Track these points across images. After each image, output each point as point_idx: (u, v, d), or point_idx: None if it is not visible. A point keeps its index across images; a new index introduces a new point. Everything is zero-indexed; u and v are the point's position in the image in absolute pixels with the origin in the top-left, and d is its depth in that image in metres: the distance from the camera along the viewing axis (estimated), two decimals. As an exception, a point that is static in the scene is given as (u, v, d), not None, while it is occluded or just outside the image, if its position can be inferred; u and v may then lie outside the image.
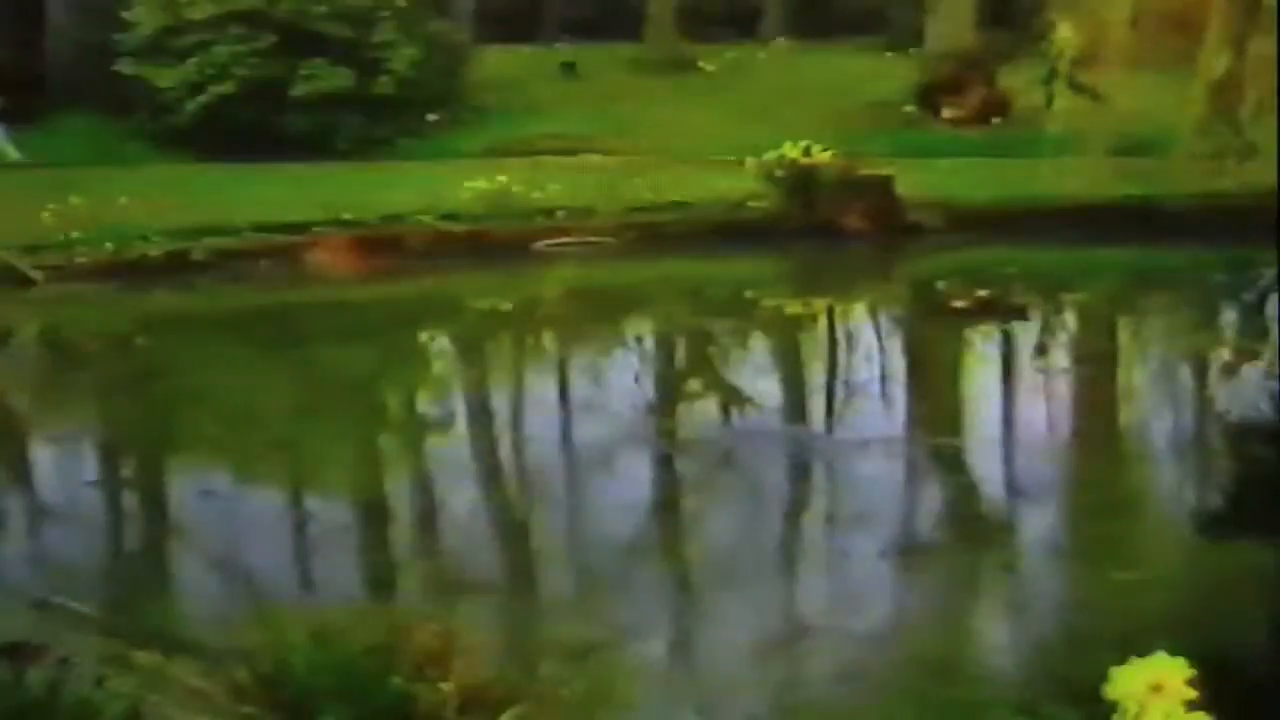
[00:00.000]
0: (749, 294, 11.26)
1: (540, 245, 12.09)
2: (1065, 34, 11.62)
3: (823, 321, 10.19)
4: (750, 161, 12.81)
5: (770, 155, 12.73)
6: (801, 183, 12.46)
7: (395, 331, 9.79)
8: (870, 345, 9.12)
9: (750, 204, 12.68)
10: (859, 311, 10.63)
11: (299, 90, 17.35)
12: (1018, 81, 15.88)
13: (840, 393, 7.70)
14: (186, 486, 6.07)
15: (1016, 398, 7.52)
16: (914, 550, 5.09)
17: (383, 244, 11.76)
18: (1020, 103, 16.09)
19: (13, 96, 15.89)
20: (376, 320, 10.16)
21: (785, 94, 18.78)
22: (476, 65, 19.76)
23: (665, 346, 9.34)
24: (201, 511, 5.60)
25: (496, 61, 20.69)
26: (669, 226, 12.41)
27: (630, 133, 18.08)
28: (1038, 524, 5.39)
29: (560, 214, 12.48)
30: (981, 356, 8.76)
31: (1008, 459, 6.33)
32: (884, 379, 7.96)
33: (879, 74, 19.91)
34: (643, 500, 5.76)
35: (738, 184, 12.96)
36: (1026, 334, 9.06)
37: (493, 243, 11.92)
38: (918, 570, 4.94)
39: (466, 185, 12.51)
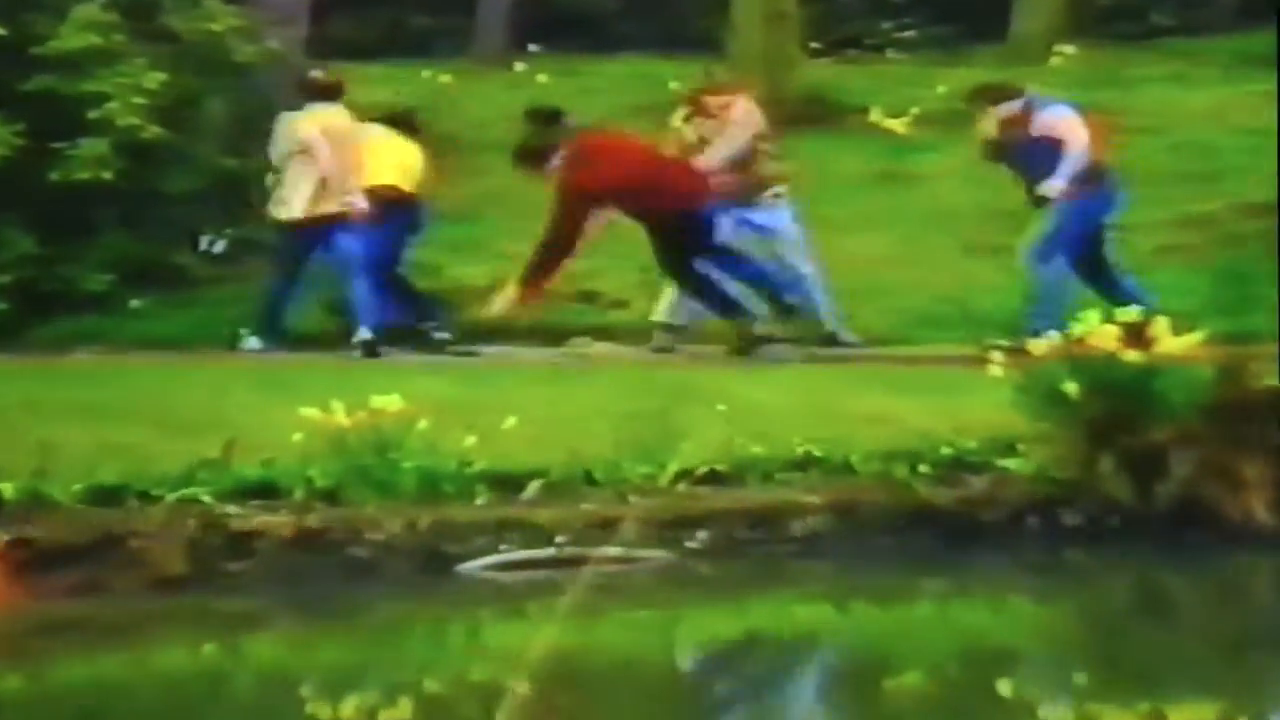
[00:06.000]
0: (1001, 687, 10.82)
1: (478, 566, 11.80)
2: None
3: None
4: (997, 358, 12.79)
5: (1042, 340, 12.73)
6: (1121, 407, 12.35)
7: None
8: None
9: (996, 462, 12.72)
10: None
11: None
12: None
13: None
14: None
15: None
16: None
17: (91, 557, 11.59)
18: None
19: None
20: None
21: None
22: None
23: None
24: None
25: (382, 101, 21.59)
26: (791, 518, 12.39)
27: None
28: None
29: (531, 487, 12.32)
30: None
31: None
32: None
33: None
34: None
35: (959, 408, 13.37)
36: None
37: (367, 556, 11.76)
38: None
39: (299, 413, 12.23)
